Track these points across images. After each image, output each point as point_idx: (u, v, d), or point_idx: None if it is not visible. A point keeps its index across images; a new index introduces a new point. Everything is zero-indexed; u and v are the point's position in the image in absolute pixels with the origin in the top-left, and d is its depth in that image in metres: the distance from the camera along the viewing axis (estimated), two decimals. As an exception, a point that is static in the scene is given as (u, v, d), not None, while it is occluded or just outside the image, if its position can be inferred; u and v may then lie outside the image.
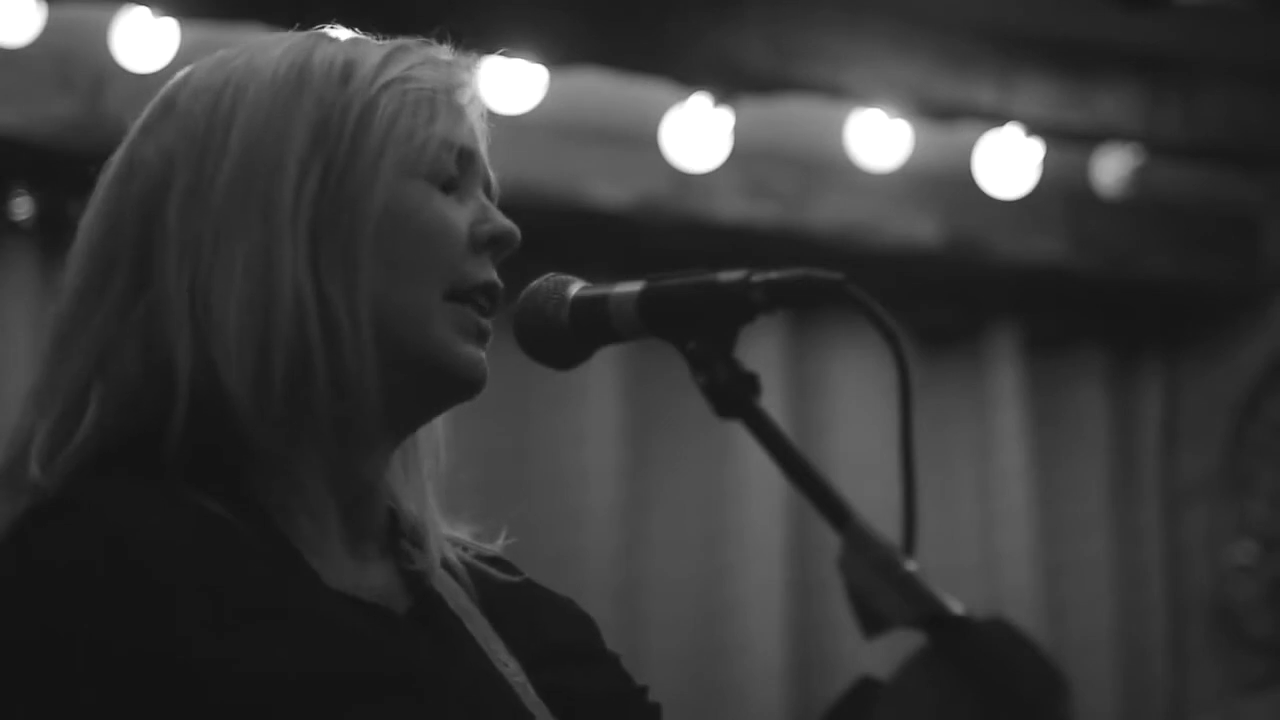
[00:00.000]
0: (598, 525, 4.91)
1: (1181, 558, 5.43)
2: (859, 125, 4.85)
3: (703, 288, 1.47)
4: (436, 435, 1.67)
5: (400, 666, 1.48)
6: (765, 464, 1.43)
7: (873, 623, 1.35)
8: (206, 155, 1.55)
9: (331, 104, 1.56)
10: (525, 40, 4.31)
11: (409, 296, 1.55)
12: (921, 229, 5.07)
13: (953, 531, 5.22)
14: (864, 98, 4.71)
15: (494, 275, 1.60)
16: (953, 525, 5.23)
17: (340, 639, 1.47)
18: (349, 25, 1.65)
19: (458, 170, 1.60)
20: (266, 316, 1.51)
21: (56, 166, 4.32)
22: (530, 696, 1.58)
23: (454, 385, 1.58)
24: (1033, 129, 4.86)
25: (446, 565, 1.64)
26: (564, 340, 1.54)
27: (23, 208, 4.48)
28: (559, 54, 4.39)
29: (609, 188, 4.81)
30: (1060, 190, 5.15)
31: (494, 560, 1.70)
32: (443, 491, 1.67)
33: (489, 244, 1.60)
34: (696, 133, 4.69)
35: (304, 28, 1.65)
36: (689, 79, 4.55)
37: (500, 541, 1.72)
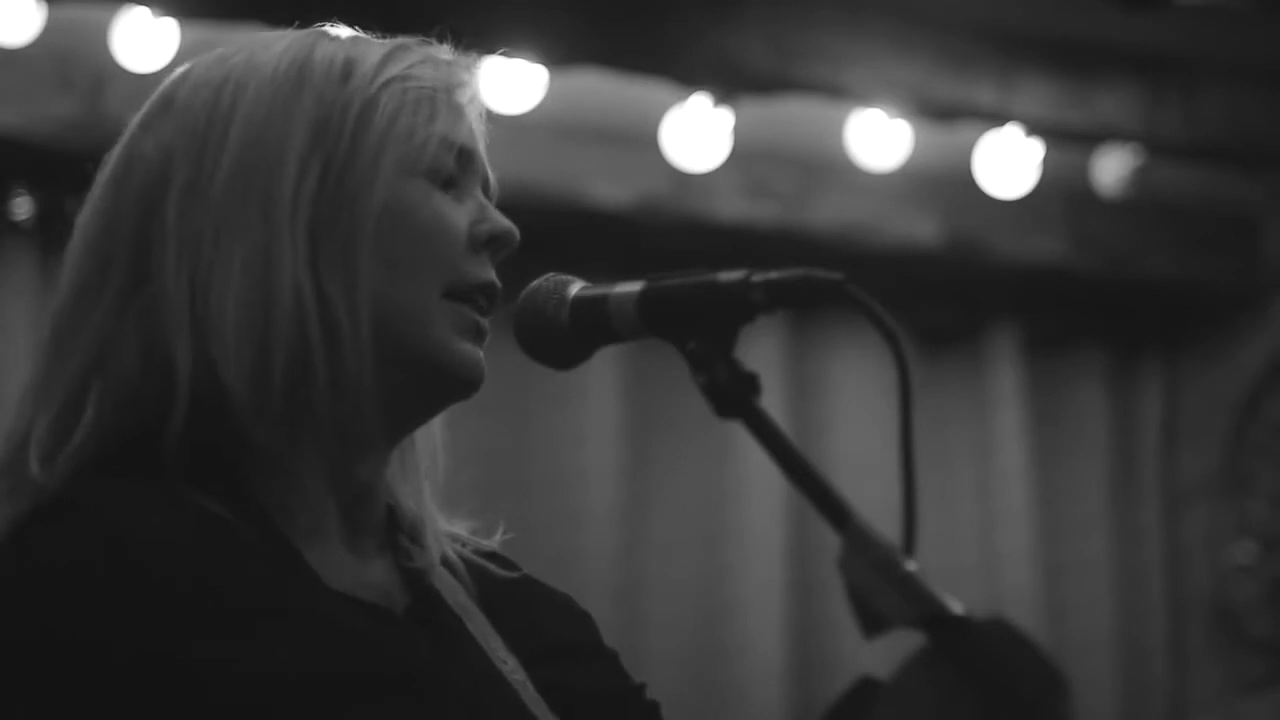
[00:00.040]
0: (598, 525, 4.91)
1: (1181, 558, 5.43)
2: (859, 125, 4.85)
3: (703, 288, 1.47)
4: (434, 433, 1.67)
5: (400, 666, 1.48)
6: (765, 464, 1.43)
7: (873, 623, 1.35)
8: (206, 152, 1.55)
9: (332, 102, 1.56)
10: (525, 40, 4.31)
11: (408, 295, 1.55)
12: (921, 229, 5.07)
13: (953, 531, 5.22)
14: (864, 98, 4.71)
15: (492, 275, 1.60)
16: (953, 525, 5.23)
17: (340, 639, 1.47)
18: (349, 24, 1.65)
19: (457, 169, 1.60)
20: (266, 314, 1.51)
21: (56, 166, 4.32)
22: (529, 694, 1.58)
23: (452, 384, 1.58)
24: (1033, 129, 4.86)
25: (445, 562, 1.65)
26: (564, 340, 1.54)
27: (23, 208, 4.47)
28: (559, 54, 4.39)
29: (609, 188, 4.81)
30: (1060, 190, 5.15)
31: (492, 556, 1.70)
32: (442, 491, 1.67)
33: (488, 243, 1.60)
34: (696, 133, 4.69)
35: (304, 26, 1.65)
36: (689, 79, 4.55)
37: (498, 537, 1.72)
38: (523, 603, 1.69)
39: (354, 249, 1.53)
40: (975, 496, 5.30)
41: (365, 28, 1.65)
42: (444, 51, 1.64)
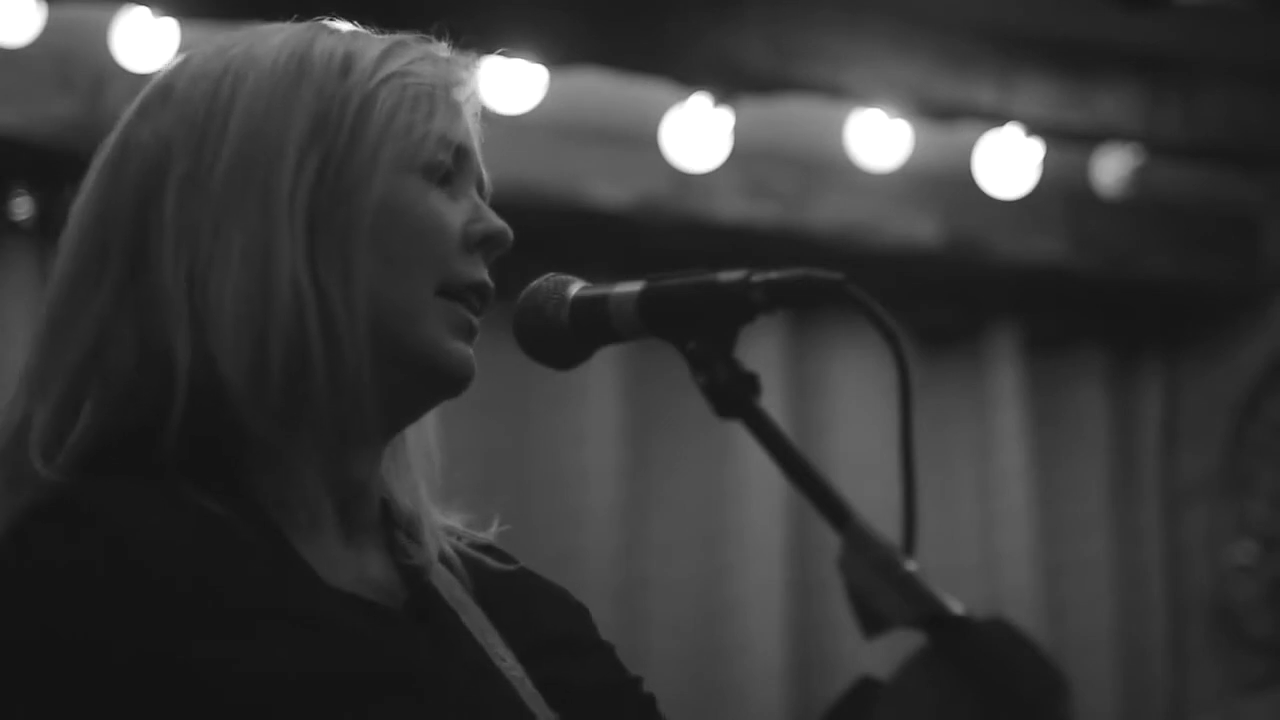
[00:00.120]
0: (598, 525, 4.91)
1: (1181, 558, 5.43)
2: (859, 125, 4.85)
3: (703, 288, 1.47)
4: (426, 430, 1.66)
5: (400, 666, 1.48)
6: (765, 464, 1.43)
7: (873, 623, 1.35)
8: (205, 143, 1.55)
9: (331, 95, 1.56)
10: (525, 40, 4.31)
11: (402, 291, 1.55)
12: (921, 229, 5.07)
13: (953, 531, 5.22)
14: (864, 98, 4.71)
15: (485, 275, 1.60)
16: (953, 525, 5.23)
17: (340, 639, 1.47)
18: (349, 22, 1.65)
19: (453, 167, 1.60)
20: (264, 306, 1.51)
21: (56, 166, 4.31)
22: (528, 690, 1.58)
23: (442, 381, 1.58)
24: (1033, 129, 4.86)
25: (442, 557, 1.65)
26: (564, 340, 1.54)
27: (23, 208, 4.47)
28: (559, 54, 4.39)
29: (609, 188, 4.81)
30: (1060, 190, 5.15)
31: (488, 548, 1.70)
32: (438, 488, 1.67)
33: (481, 243, 1.60)
34: (696, 133, 4.69)
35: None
36: (689, 79, 4.55)
37: (493, 529, 1.72)
38: (519, 596, 1.69)
39: (350, 243, 1.54)
40: (975, 496, 5.30)
41: (365, 26, 1.65)
42: (442, 49, 1.64)
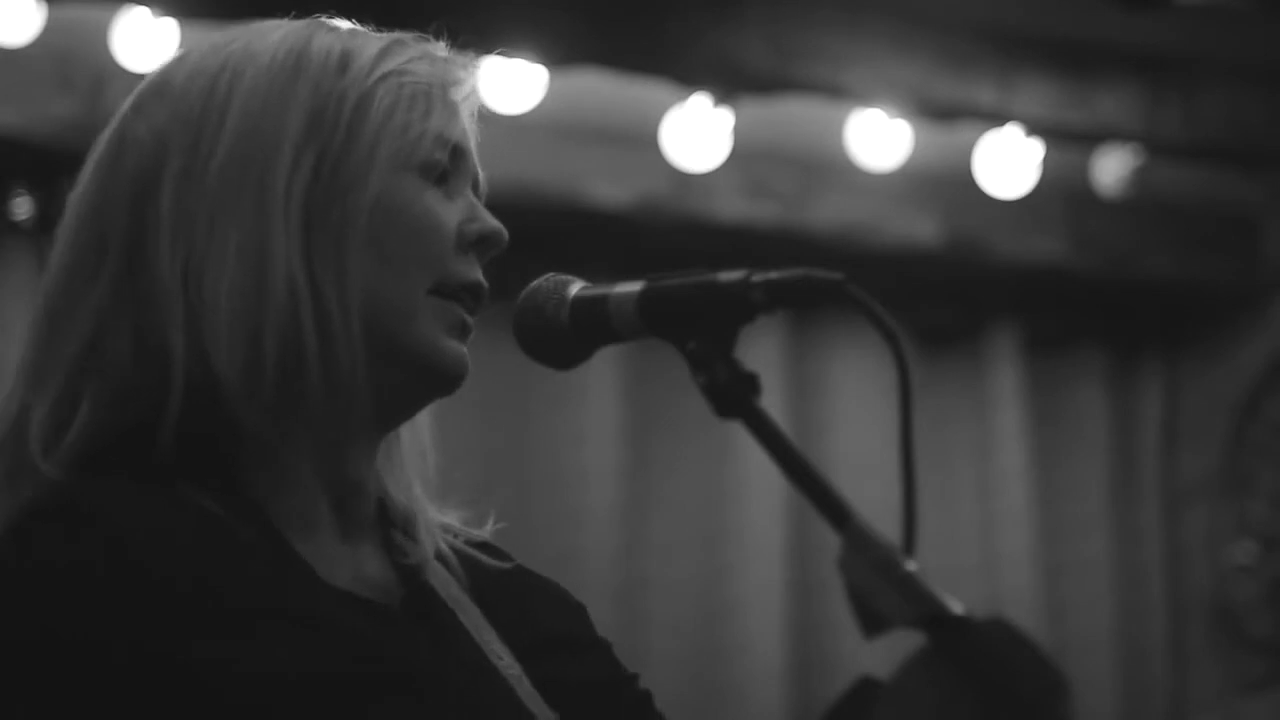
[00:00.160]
0: (598, 525, 4.91)
1: (1181, 558, 5.43)
2: (859, 125, 4.85)
3: (703, 288, 1.47)
4: (419, 428, 1.66)
5: (400, 666, 1.48)
6: (765, 464, 1.43)
7: (873, 623, 1.35)
8: (201, 139, 1.55)
9: (328, 93, 1.56)
10: (525, 40, 4.31)
11: (396, 290, 1.55)
12: (921, 229, 5.07)
13: (953, 531, 5.22)
14: (864, 98, 4.71)
15: (479, 275, 1.60)
16: (953, 525, 5.23)
17: (340, 639, 1.47)
18: (349, 21, 1.65)
19: (449, 166, 1.60)
20: (259, 303, 1.51)
21: (56, 166, 4.29)
22: (525, 689, 1.58)
23: (436, 379, 1.58)
24: (1033, 129, 4.86)
25: (438, 555, 1.65)
26: (564, 340, 1.54)
27: (23, 208, 4.48)
28: (559, 54, 4.39)
29: (609, 188, 4.81)
30: (1060, 190, 5.15)
31: (483, 546, 1.70)
32: (434, 486, 1.67)
33: (477, 243, 1.60)
34: (696, 133, 4.69)
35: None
36: (689, 79, 4.55)
37: (489, 526, 1.72)
38: (516, 594, 1.69)
39: (346, 241, 1.54)
40: (975, 496, 5.30)
41: (364, 25, 1.65)
42: (440, 48, 1.64)
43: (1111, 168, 5.15)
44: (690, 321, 1.46)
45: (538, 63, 4.40)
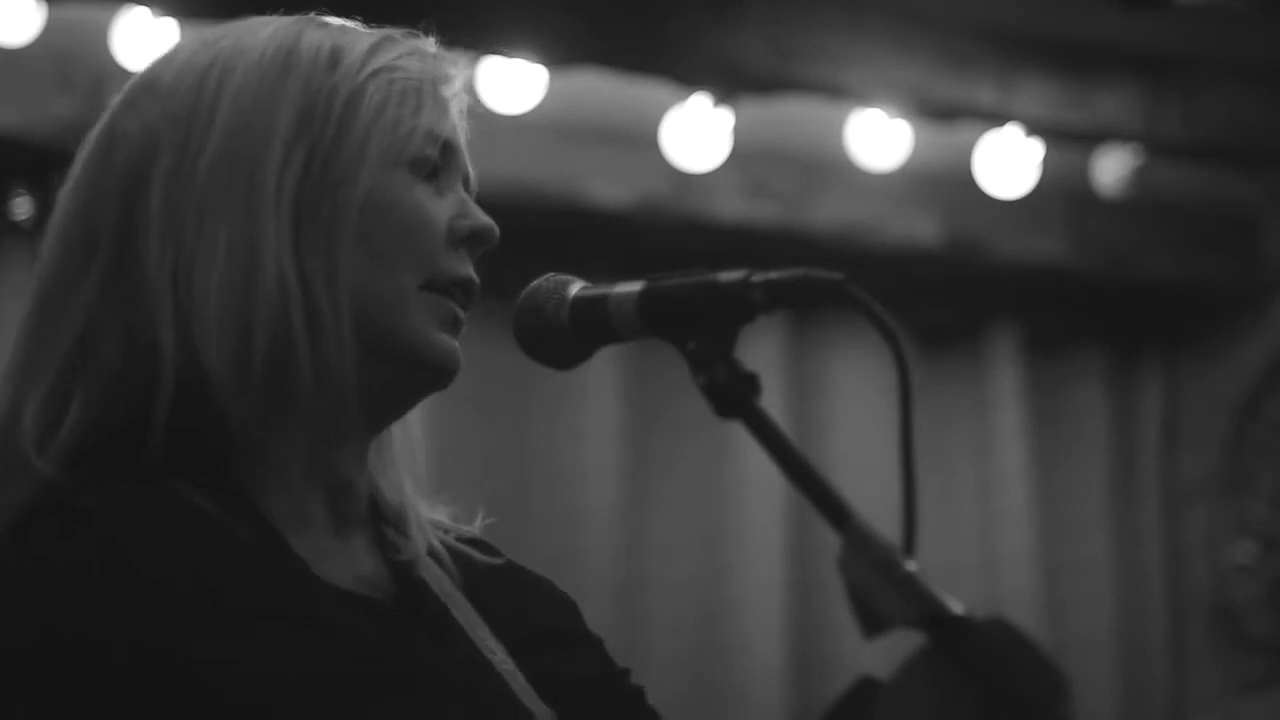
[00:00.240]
0: (598, 525, 4.91)
1: (1181, 558, 5.43)
2: (859, 125, 4.85)
3: (703, 288, 1.47)
4: (410, 426, 1.66)
5: (399, 665, 1.48)
6: (765, 464, 1.43)
7: (873, 623, 1.35)
8: (191, 135, 1.55)
9: (318, 89, 1.56)
10: (525, 40, 4.31)
11: (386, 285, 1.55)
12: (921, 229, 5.07)
13: (953, 531, 5.22)
14: (864, 98, 4.71)
15: (471, 271, 1.60)
16: (953, 525, 5.23)
17: (340, 638, 1.47)
18: (348, 19, 1.65)
19: (440, 163, 1.60)
20: (248, 299, 1.51)
21: (56, 166, 4.30)
22: (520, 684, 1.58)
23: (428, 374, 1.58)
24: (1033, 129, 4.86)
25: (430, 551, 1.65)
26: (564, 340, 1.54)
27: (23, 208, 4.48)
28: (559, 54, 4.39)
29: (609, 188, 4.81)
30: (1060, 190, 5.15)
31: (474, 542, 1.70)
32: (426, 484, 1.67)
33: (468, 239, 1.60)
34: (696, 133, 4.69)
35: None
36: (689, 79, 4.55)
37: (479, 522, 1.72)
38: (507, 590, 1.69)
39: (336, 237, 1.54)
40: (975, 496, 5.30)
41: (363, 23, 1.65)
42: (430, 45, 1.64)
43: (1111, 168, 5.15)
44: (690, 321, 1.46)
45: (538, 63, 4.40)
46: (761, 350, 4.94)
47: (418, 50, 1.62)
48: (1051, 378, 5.44)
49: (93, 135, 1.60)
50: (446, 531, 1.69)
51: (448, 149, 1.61)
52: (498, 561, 1.70)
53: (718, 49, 4.48)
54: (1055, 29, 4.76)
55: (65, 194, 1.59)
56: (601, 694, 1.67)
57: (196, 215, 1.52)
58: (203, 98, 1.56)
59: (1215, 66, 4.93)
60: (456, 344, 1.59)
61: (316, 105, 1.56)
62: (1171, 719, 5.37)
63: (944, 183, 5.04)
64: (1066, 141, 4.93)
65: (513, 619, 1.65)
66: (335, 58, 1.58)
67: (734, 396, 1.42)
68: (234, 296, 1.51)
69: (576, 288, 1.54)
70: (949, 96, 4.72)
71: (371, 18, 1.65)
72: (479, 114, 1.68)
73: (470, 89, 1.66)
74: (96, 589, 1.41)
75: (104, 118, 1.60)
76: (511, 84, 4.41)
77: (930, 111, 4.74)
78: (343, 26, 1.62)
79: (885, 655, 1.63)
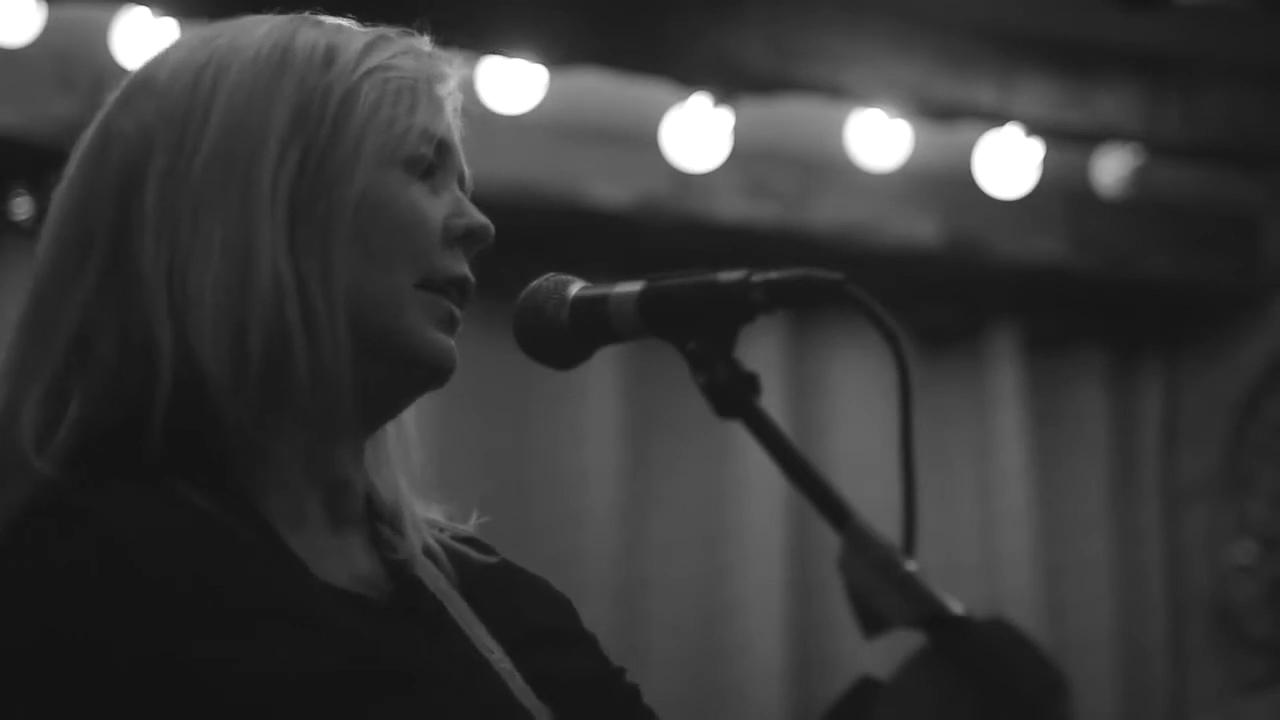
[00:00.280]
0: (598, 525, 4.91)
1: (1181, 558, 5.43)
2: (859, 125, 4.85)
3: (703, 288, 1.47)
4: (405, 425, 1.66)
5: (399, 665, 1.48)
6: (765, 464, 1.43)
7: (873, 623, 1.35)
8: (187, 134, 1.55)
9: (313, 87, 1.56)
10: (525, 40, 4.31)
11: (382, 284, 1.55)
12: (921, 229, 5.07)
13: (953, 531, 5.22)
14: (864, 98, 4.71)
15: (466, 269, 1.60)
16: (953, 525, 5.23)
17: (339, 638, 1.47)
18: (348, 18, 1.65)
19: (435, 161, 1.60)
20: (244, 297, 1.51)
21: (56, 166, 4.30)
22: (517, 682, 1.58)
23: (423, 372, 1.58)
24: (1033, 129, 4.86)
25: (426, 550, 1.65)
26: (564, 340, 1.54)
27: (23, 208, 4.48)
28: (559, 54, 4.39)
29: (609, 188, 4.81)
30: (1060, 190, 5.15)
31: (469, 540, 1.70)
32: (421, 483, 1.67)
33: (463, 238, 1.60)
34: (696, 133, 4.70)
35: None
36: (689, 79, 4.55)
37: (473, 520, 1.72)
38: (502, 588, 1.69)
39: (331, 235, 1.54)
40: (975, 496, 5.30)
41: (363, 23, 1.65)
42: (424, 43, 1.64)
43: (1111, 168, 5.15)
44: (690, 321, 1.46)
45: (538, 63, 4.40)
46: (761, 350, 4.94)
47: (412, 49, 1.62)
48: (1051, 378, 5.44)
49: (87, 134, 1.60)
50: (442, 530, 1.69)
51: (443, 148, 1.61)
52: (492, 560, 1.70)
53: (718, 49, 4.48)
54: (1055, 29, 4.76)
55: (60, 193, 1.59)
56: (597, 693, 1.68)
57: (191, 214, 1.52)
58: (198, 96, 1.56)
59: (1215, 66, 4.93)
60: (452, 343, 1.59)
61: (311, 104, 1.56)
62: (1171, 719, 5.37)
63: (944, 183, 5.04)
64: (1066, 141, 4.93)
65: (508, 618, 1.65)
66: (330, 56, 1.58)
67: (734, 396, 1.42)
68: (229, 295, 1.51)
69: (576, 288, 1.54)
70: (949, 96, 4.73)
71: (366, 17, 1.65)
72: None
73: (465, 87, 1.66)
74: (96, 589, 1.40)
75: (99, 116, 1.60)
76: (511, 84, 4.41)
77: (930, 111, 4.74)
78: (337, 25, 1.62)
79: (885, 655, 1.62)
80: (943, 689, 1.29)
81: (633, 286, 1.51)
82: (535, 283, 1.56)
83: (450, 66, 1.64)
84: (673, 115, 4.70)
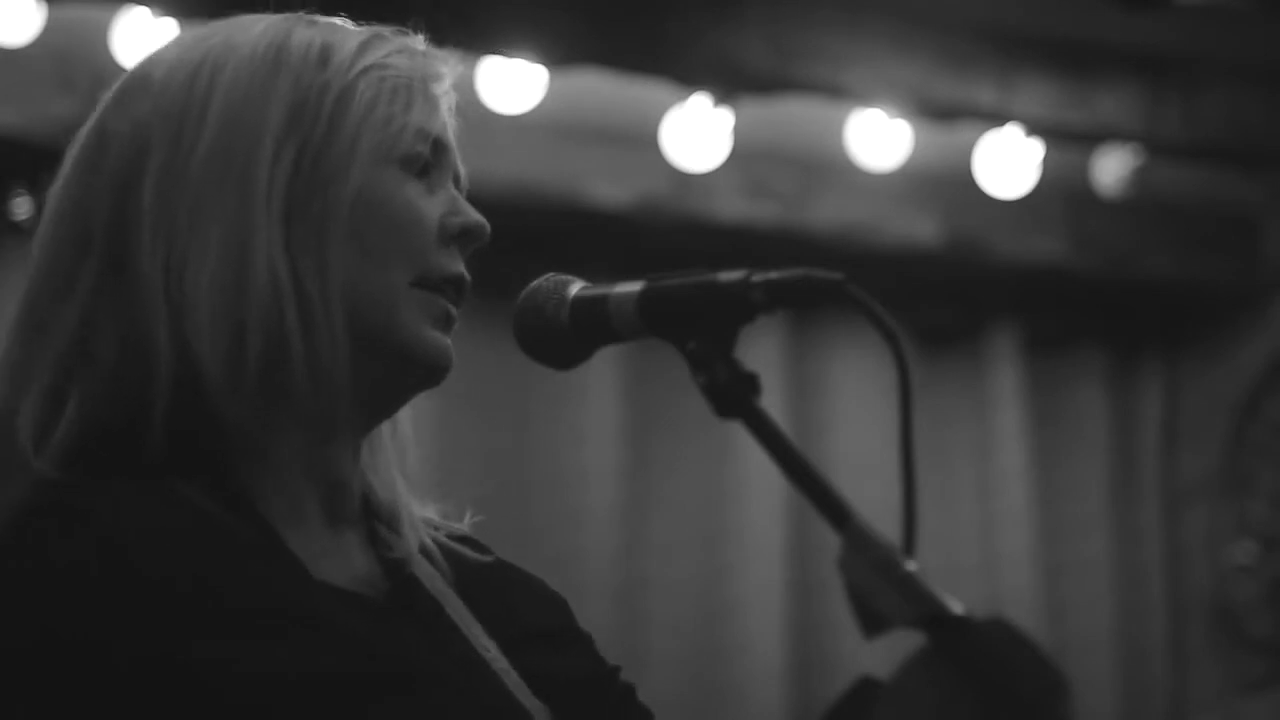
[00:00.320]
0: (598, 525, 4.91)
1: (1181, 558, 5.43)
2: (859, 125, 4.85)
3: (703, 288, 1.47)
4: (400, 425, 1.67)
5: (398, 664, 1.48)
6: (765, 464, 1.43)
7: (873, 623, 1.35)
8: (183, 132, 1.55)
9: (309, 86, 1.56)
10: (525, 40, 4.31)
11: (377, 282, 1.55)
12: (921, 229, 5.07)
13: (953, 531, 5.22)
14: (864, 98, 4.71)
15: (462, 268, 1.60)
16: (953, 525, 5.23)
17: (339, 638, 1.47)
18: (349, 18, 1.65)
19: (431, 160, 1.60)
20: (241, 295, 1.51)
21: (56, 166, 4.31)
22: (513, 681, 1.59)
23: (419, 370, 1.58)
24: (1033, 129, 4.86)
25: (422, 549, 1.65)
26: (564, 340, 1.54)
27: (23, 208, 4.48)
28: (559, 54, 4.39)
29: (609, 188, 4.81)
30: (1060, 190, 5.15)
31: (465, 539, 1.70)
32: (426, 484, 1.67)
33: (459, 236, 1.60)
34: (696, 133, 4.70)
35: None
36: (689, 79, 4.55)
37: (467, 519, 1.72)
38: (498, 587, 1.69)
39: (327, 234, 1.54)
40: (975, 496, 5.31)
41: (362, 23, 1.65)
42: (419, 42, 1.64)
43: (1111, 168, 5.15)
44: (690, 321, 1.46)
45: (538, 63, 4.40)
46: (761, 350, 4.94)
47: (407, 48, 1.62)
48: (1051, 378, 5.44)
49: (83, 133, 1.60)
50: (437, 529, 1.69)
51: (438, 146, 1.61)
52: (488, 559, 1.71)
53: (718, 49, 4.48)
54: (1055, 29, 4.76)
55: (56, 192, 1.59)
56: (593, 692, 1.68)
57: (188, 212, 1.53)
58: (194, 95, 1.56)
59: (1215, 66, 4.93)
60: (448, 341, 1.59)
61: (307, 102, 1.56)
62: (1171, 719, 5.37)
63: (944, 183, 5.04)
64: (1066, 141, 4.93)
65: (503, 617, 1.66)
66: (326, 55, 1.58)
67: (734, 396, 1.42)
68: (226, 294, 1.51)
69: (576, 288, 1.54)
70: (949, 96, 4.73)
71: (361, 16, 1.65)
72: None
73: (460, 86, 1.66)
74: (96, 589, 1.40)
75: (94, 115, 1.60)
76: (511, 84, 4.41)
77: (930, 111, 4.74)
78: (333, 24, 1.63)
79: (885, 655, 1.62)
80: (943, 689, 1.29)
81: (633, 286, 1.51)
82: (535, 283, 1.56)
83: (445, 65, 1.64)
84: (673, 115, 4.70)
